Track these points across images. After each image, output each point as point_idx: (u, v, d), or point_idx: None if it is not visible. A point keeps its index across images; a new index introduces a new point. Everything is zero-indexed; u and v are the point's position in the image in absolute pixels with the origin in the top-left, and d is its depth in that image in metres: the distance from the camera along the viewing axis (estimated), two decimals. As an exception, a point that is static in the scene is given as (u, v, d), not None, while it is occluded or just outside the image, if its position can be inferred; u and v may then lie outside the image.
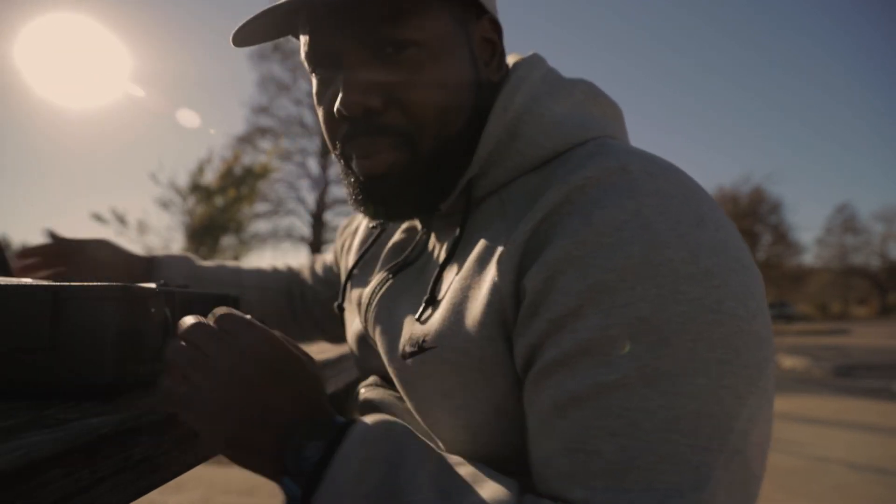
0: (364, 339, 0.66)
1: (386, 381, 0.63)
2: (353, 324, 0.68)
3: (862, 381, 7.18)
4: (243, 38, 0.55)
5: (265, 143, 15.92)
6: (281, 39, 0.58)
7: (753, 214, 30.45)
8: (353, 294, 0.67)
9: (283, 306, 0.95)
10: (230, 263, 0.96)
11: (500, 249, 0.46)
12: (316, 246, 16.65)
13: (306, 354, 0.48)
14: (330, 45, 0.51)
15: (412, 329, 0.52)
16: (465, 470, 0.42)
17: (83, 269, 0.82)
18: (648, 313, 0.39)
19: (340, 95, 0.49)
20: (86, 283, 0.47)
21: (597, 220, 0.42)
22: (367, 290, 0.62)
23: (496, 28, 0.55)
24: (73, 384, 0.46)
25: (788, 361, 9.33)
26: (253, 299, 0.91)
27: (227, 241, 11.09)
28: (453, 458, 0.43)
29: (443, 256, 0.53)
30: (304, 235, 16.92)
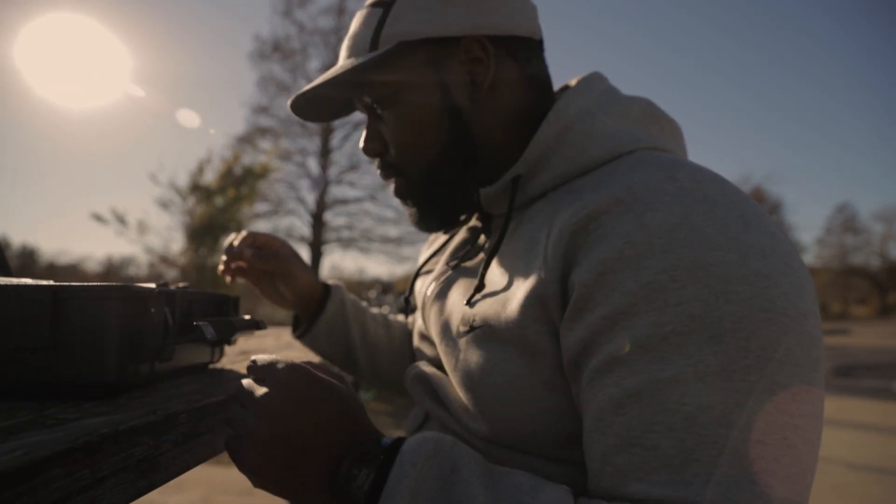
0: (425, 335, 0.72)
1: (435, 365, 0.69)
2: (417, 316, 0.75)
3: (862, 381, 7.18)
4: (310, 116, 0.70)
5: (265, 143, 15.93)
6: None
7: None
8: (418, 286, 0.75)
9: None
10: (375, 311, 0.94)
11: (544, 240, 0.50)
12: (316, 246, 16.65)
13: (337, 375, 0.50)
14: (358, 106, 0.67)
15: (463, 312, 0.57)
16: (518, 479, 0.42)
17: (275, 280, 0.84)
18: (701, 311, 0.40)
19: (361, 142, 0.66)
20: (86, 284, 0.47)
21: (648, 222, 0.43)
22: (429, 281, 0.70)
23: (483, 45, 0.59)
24: (73, 384, 0.46)
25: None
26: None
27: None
28: (503, 469, 0.44)
29: (491, 248, 0.58)
30: (304, 235, 16.91)
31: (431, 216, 0.65)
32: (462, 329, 0.56)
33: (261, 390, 0.46)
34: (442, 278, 0.67)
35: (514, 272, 0.52)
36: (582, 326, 0.45)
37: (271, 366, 0.47)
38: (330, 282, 0.89)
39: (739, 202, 0.46)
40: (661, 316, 0.41)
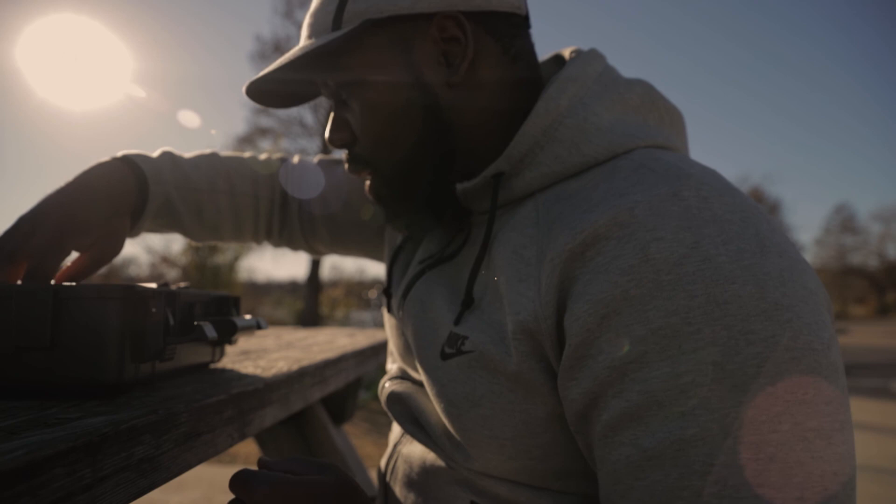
0: (399, 330, 0.65)
1: (409, 375, 0.63)
2: (395, 310, 0.67)
3: (860, 381, 7.18)
4: (269, 102, 0.64)
5: (265, 144, 15.91)
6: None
7: (753, 214, 30.38)
8: (393, 279, 0.67)
9: (263, 220, 0.83)
10: (220, 165, 0.78)
11: (536, 261, 0.45)
12: (315, 246, 16.60)
13: (325, 468, 0.49)
14: (324, 93, 0.60)
15: (450, 330, 0.51)
16: None
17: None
18: (720, 357, 0.36)
19: (326, 132, 0.59)
20: (86, 284, 0.47)
21: (654, 254, 0.39)
22: (404, 281, 0.62)
23: (459, 23, 0.51)
24: (74, 384, 0.46)
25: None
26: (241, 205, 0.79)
27: (227, 240, 11.04)
28: None
29: (475, 257, 0.52)
30: (303, 235, 16.87)
31: (408, 218, 0.58)
32: (448, 350, 0.50)
33: None
34: (419, 279, 0.60)
35: (503, 294, 0.47)
36: (586, 377, 0.40)
37: (253, 492, 0.45)
38: (149, 180, 0.69)
39: (751, 218, 0.41)
40: (676, 365, 0.37)
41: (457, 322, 0.51)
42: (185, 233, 0.77)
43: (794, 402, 0.36)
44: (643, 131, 0.50)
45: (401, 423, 0.59)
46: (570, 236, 0.43)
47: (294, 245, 0.86)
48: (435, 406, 0.53)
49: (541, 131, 0.50)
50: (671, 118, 0.54)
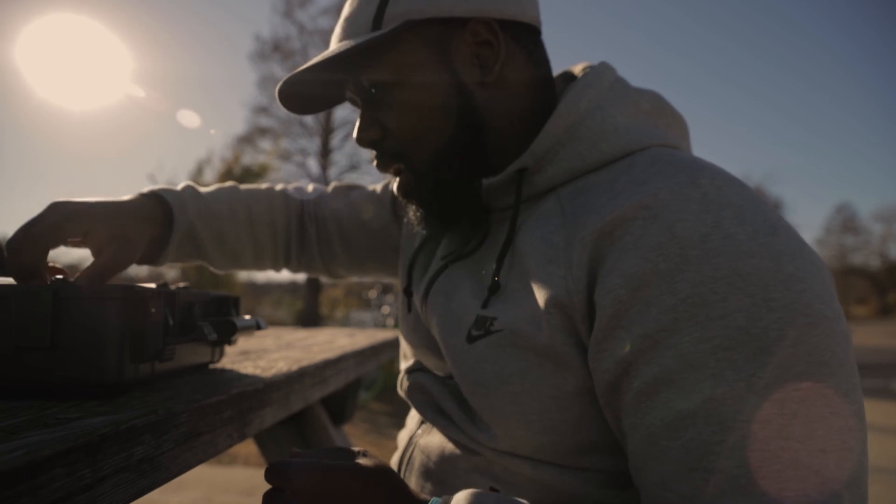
0: (416, 325, 0.67)
1: (427, 367, 0.65)
2: (416, 309, 0.69)
3: (862, 381, 7.17)
4: (299, 108, 0.66)
5: (265, 144, 15.92)
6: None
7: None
8: (415, 278, 0.69)
9: (281, 247, 0.85)
10: (239, 196, 0.80)
11: (563, 245, 0.48)
12: (316, 246, 16.59)
13: (361, 454, 0.49)
14: (349, 96, 0.62)
15: (477, 313, 0.53)
16: None
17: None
18: (745, 323, 0.39)
19: (354, 132, 0.61)
20: (86, 284, 0.47)
21: (680, 233, 0.42)
22: (426, 277, 0.65)
23: (491, 28, 0.55)
24: (73, 384, 0.46)
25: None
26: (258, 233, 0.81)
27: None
28: None
29: (501, 244, 0.55)
30: (303, 235, 16.85)
31: (437, 212, 0.60)
32: (475, 332, 0.53)
33: None
34: (443, 274, 0.63)
35: (532, 276, 0.50)
36: (619, 346, 0.43)
37: (290, 478, 0.44)
38: (174, 209, 0.71)
39: (760, 205, 0.45)
40: (705, 331, 0.40)
41: (484, 306, 0.53)
42: (208, 261, 0.79)
43: (813, 363, 0.39)
44: (655, 133, 0.54)
45: (422, 412, 0.62)
46: (597, 219, 0.46)
47: (313, 270, 0.89)
48: (462, 389, 0.55)
49: (563, 130, 0.53)
50: (677, 124, 0.59)
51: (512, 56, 0.57)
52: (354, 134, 0.60)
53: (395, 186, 0.61)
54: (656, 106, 0.57)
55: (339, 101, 0.66)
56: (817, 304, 0.41)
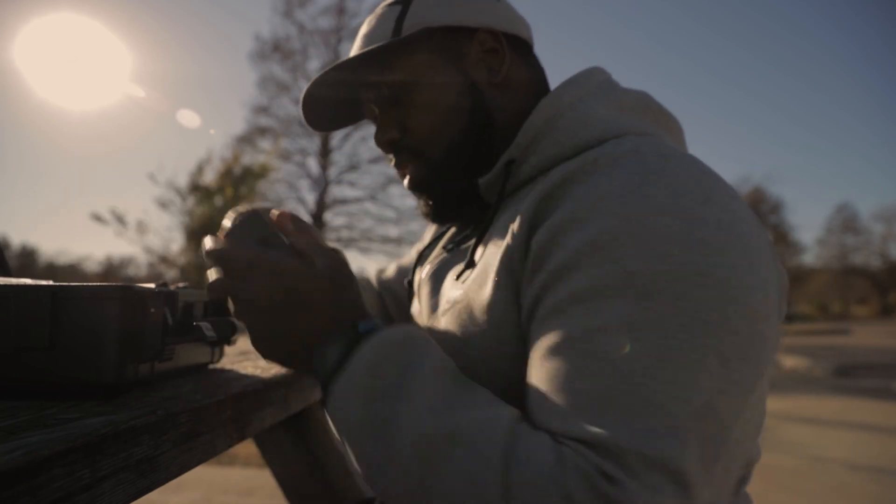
0: (419, 315, 0.72)
1: None
2: (415, 301, 0.76)
3: (862, 381, 7.18)
4: (320, 125, 0.71)
5: (265, 143, 15.93)
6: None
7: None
8: (416, 275, 0.75)
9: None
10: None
11: (519, 216, 0.51)
12: (316, 246, 16.60)
13: (329, 253, 0.51)
14: (370, 110, 0.67)
15: (450, 291, 0.59)
16: (475, 390, 0.45)
17: None
18: (636, 268, 0.42)
19: (375, 137, 0.66)
20: (85, 284, 0.47)
21: (602, 187, 0.46)
22: (426, 269, 0.70)
23: (495, 36, 0.62)
24: (73, 384, 0.46)
25: (789, 361, 9.33)
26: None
27: (227, 241, 11.05)
28: (466, 379, 0.46)
29: (481, 230, 0.59)
30: (304, 235, 16.86)
31: (446, 204, 0.65)
32: (446, 306, 0.58)
33: (259, 287, 0.47)
34: (436, 261, 0.68)
35: (496, 249, 0.53)
36: (535, 284, 0.47)
37: (259, 261, 0.48)
38: None
39: (705, 180, 0.47)
40: (598, 271, 0.43)
41: (457, 278, 0.58)
42: None
43: (696, 319, 0.40)
44: (634, 125, 0.56)
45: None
46: (543, 188, 0.50)
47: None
48: None
49: (544, 121, 0.57)
50: (666, 122, 0.61)
51: (514, 62, 0.63)
52: (375, 137, 0.66)
53: (406, 182, 0.66)
54: (641, 103, 0.60)
55: (360, 117, 0.71)
56: (722, 271, 0.42)
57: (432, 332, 0.59)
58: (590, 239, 0.44)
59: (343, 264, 0.52)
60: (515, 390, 0.48)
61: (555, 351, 0.43)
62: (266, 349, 0.49)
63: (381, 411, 0.42)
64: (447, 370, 0.46)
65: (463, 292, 0.55)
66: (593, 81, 0.61)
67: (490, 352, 0.51)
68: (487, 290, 0.52)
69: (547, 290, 0.46)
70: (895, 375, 7.31)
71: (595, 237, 0.44)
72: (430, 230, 0.87)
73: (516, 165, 0.59)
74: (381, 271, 1.03)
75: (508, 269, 0.50)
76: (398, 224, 17.16)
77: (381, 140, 0.65)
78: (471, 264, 0.57)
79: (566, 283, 0.44)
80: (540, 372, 0.44)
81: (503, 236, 0.53)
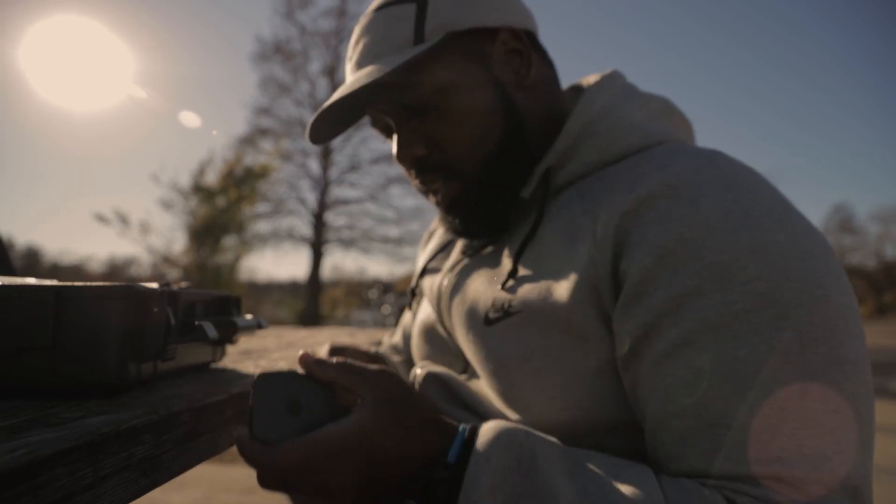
0: (430, 326, 0.69)
1: (443, 363, 0.67)
2: (421, 311, 0.73)
3: (863, 381, 7.16)
4: (320, 137, 0.63)
5: (266, 144, 15.92)
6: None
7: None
8: (426, 283, 0.72)
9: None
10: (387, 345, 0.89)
11: (590, 226, 0.49)
12: (317, 246, 16.64)
13: (376, 380, 0.44)
14: (380, 118, 0.61)
15: (495, 296, 0.55)
16: (598, 460, 0.42)
17: None
18: (766, 289, 0.41)
19: (395, 152, 0.60)
20: (88, 283, 0.47)
21: (703, 207, 0.45)
22: (443, 271, 0.67)
23: (517, 35, 0.59)
24: (75, 383, 0.46)
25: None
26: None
27: (229, 241, 11.11)
28: (580, 451, 0.44)
29: (523, 236, 0.56)
30: (305, 236, 16.91)
31: (484, 218, 0.60)
32: (493, 315, 0.54)
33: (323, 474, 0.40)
34: (457, 268, 0.65)
35: (555, 257, 0.51)
36: (642, 311, 0.44)
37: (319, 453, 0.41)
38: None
39: (772, 189, 0.48)
40: (728, 295, 0.42)
41: (504, 288, 0.54)
42: None
43: (829, 331, 0.41)
44: (668, 131, 0.57)
45: (436, 400, 0.63)
46: (623, 198, 0.48)
47: None
48: (481, 374, 0.56)
49: (581, 128, 0.56)
50: (685, 127, 0.62)
51: (537, 62, 0.60)
52: (395, 151, 0.60)
53: (437, 200, 0.61)
54: (665, 108, 0.61)
55: (356, 120, 0.65)
56: (829, 279, 0.43)
57: (478, 346, 0.55)
58: (709, 263, 0.43)
59: (394, 384, 0.45)
60: (591, 402, 0.48)
61: (695, 386, 0.41)
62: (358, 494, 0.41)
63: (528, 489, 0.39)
64: (562, 455, 0.42)
65: (519, 302, 0.52)
66: (617, 85, 0.60)
67: (566, 366, 0.49)
68: (561, 303, 0.48)
69: (665, 319, 0.43)
70: (892, 374, 7.30)
71: (715, 260, 0.43)
72: (434, 240, 0.81)
73: (553, 171, 0.57)
74: (389, 344, 0.93)
75: (591, 285, 0.47)
76: (398, 224, 17.16)
77: (405, 157, 0.59)
78: (515, 272, 0.54)
79: (692, 313, 0.42)
80: (681, 412, 0.42)
81: (564, 246, 0.51)
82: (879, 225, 37.06)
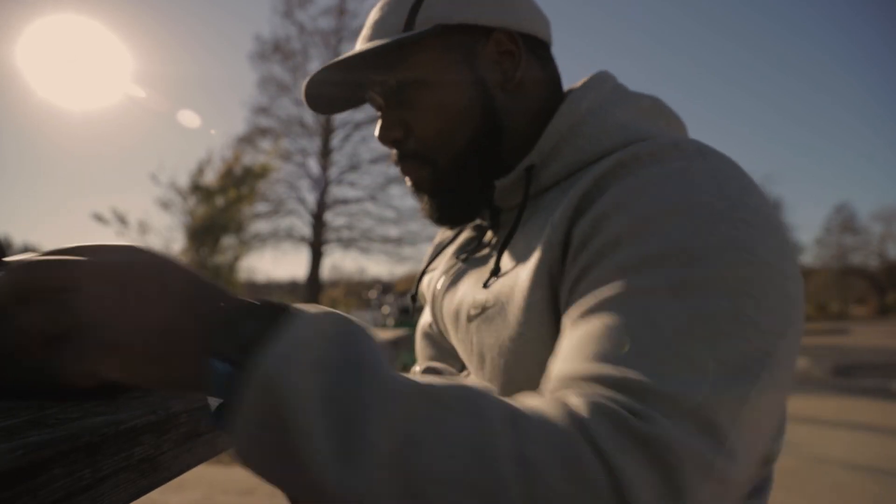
0: (428, 328, 0.72)
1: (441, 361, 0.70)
2: (424, 315, 0.76)
3: (861, 381, 7.18)
4: (320, 107, 0.67)
5: (265, 144, 15.92)
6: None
7: (753, 214, 30.34)
8: (424, 287, 0.74)
9: None
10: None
11: (555, 215, 0.50)
12: (316, 246, 16.64)
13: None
14: (374, 98, 0.63)
15: (475, 296, 0.57)
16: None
17: None
18: (682, 240, 0.41)
19: (375, 132, 0.63)
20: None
21: (644, 175, 0.46)
22: (437, 276, 0.69)
23: (513, 39, 0.59)
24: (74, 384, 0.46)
25: (788, 361, 9.30)
26: None
27: (228, 241, 11.10)
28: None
29: (505, 236, 0.58)
30: (304, 236, 16.92)
31: (452, 207, 0.63)
32: (474, 312, 0.56)
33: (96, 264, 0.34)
34: (451, 271, 0.67)
35: (527, 252, 0.52)
36: (576, 267, 0.46)
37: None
38: None
39: (741, 175, 0.47)
40: (643, 243, 0.42)
41: (485, 286, 0.56)
42: None
43: (739, 291, 0.39)
44: (654, 130, 0.56)
45: None
46: (582, 184, 0.49)
47: None
48: (469, 366, 0.58)
49: (566, 128, 0.56)
50: (676, 125, 0.61)
51: (530, 66, 0.61)
52: (376, 132, 0.63)
53: (410, 184, 0.64)
54: (655, 107, 0.60)
55: (361, 101, 0.67)
56: (763, 252, 0.41)
57: (465, 344, 0.57)
58: (634, 217, 0.43)
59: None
60: None
61: (591, 312, 0.41)
62: (139, 366, 0.35)
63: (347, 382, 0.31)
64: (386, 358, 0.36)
65: (493, 297, 0.54)
66: (607, 86, 0.60)
67: (529, 356, 0.49)
68: (523, 292, 0.50)
69: (589, 268, 0.44)
70: (894, 375, 7.31)
71: (640, 214, 0.43)
72: (432, 246, 0.84)
73: (536, 171, 0.58)
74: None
75: (547, 269, 0.48)
76: (398, 224, 17.19)
77: (382, 137, 0.62)
78: (496, 271, 0.56)
79: (610, 259, 0.43)
80: (572, 335, 0.41)
81: (536, 240, 0.51)
82: (882, 225, 37.17)
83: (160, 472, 0.42)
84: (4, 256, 0.62)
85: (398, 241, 17.34)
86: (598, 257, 0.44)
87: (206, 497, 2.80)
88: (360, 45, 0.61)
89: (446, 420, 0.31)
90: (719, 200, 0.43)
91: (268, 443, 0.31)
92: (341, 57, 0.59)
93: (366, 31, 0.62)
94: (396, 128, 0.61)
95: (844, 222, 36.98)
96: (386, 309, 8.26)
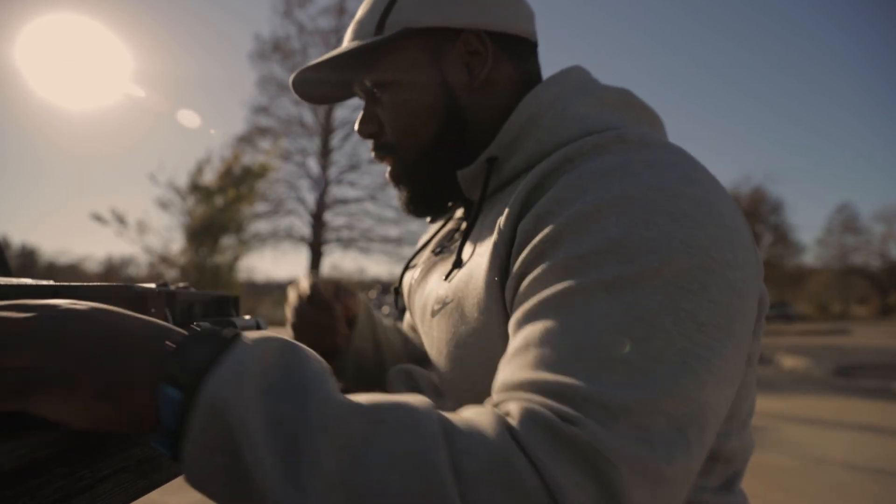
0: (408, 325, 0.74)
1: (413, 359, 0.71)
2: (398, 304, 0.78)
3: (862, 381, 7.18)
4: (312, 98, 0.71)
5: (265, 143, 15.91)
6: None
7: (754, 215, 30.44)
8: (406, 281, 0.75)
9: None
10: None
11: (505, 211, 0.51)
12: (316, 246, 16.64)
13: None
14: (356, 91, 0.68)
15: (438, 291, 0.58)
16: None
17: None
18: (619, 236, 0.41)
19: (355, 126, 0.67)
20: (86, 283, 0.47)
21: (587, 168, 0.46)
22: (415, 271, 0.71)
23: (481, 39, 0.60)
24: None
25: (789, 361, 9.34)
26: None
27: (227, 240, 11.11)
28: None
29: (465, 230, 0.59)
30: (304, 235, 16.91)
31: (421, 199, 0.66)
32: (436, 308, 0.57)
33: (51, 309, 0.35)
34: (425, 266, 0.68)
35: (483, 247, 0.53)
36: (518, 266, 0.46)
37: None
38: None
39: (688, 164, 0.46)
40: (580, 240, 0.42)
41: (446, 278, 0.57)
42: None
43: (675, 285, 0.39)
44: (617, 121, 0.55)
45: (399, 390, 0.65)
46: (530, 180, 0.49)
47: None
48: (433, 361, 0.59)
49: (525, 120, 0.57)
50: (649, 118, 0.60)
51: (499, 64, 0.62)
52: (356, 126, 0.67)
53: (386, 173, 0.67)
54: (623, 100, 0.59)
55: (349, 95, 0.71)
56: (703, 242, 0.41)
57: (428, 338, 0.58)
58: (573, 213, 0.43)
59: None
60: None
61: (531, 314, 0.41)
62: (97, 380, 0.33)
63: (285, 405, 0.33)
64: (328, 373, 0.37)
65: (451, 292, 0.55)
66: (573, 80, 0.60)
67: (483, 354, 0.49)
68: (477, 289, 0.50)
69: (530, 267, 0.44)
70: (895, 376, 7.31)
71: (577, 211, 0.43)
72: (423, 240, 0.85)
73: (499, 164, 0.58)
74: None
75: (498, 265, 0.49)
76: (398, 224, 17.20)
77: (360, 130, 0.66)
78: (458, 264, 0.56)
79: (550, 256, 0.43)
80: (514, 339, 0.42)
81: (490, 234, 0.52)
82: (883, 225, 37.11)
83: (159, 473, 0.42)
84: (2, 257, 0.62)
85: (398, 241, 17.37)
86: (539, 256, 0.44)
87: (204, 498, 2.80)
88: (344, 42, 0.65)
89: (387, 438, 0.32)
90: (658, 192, 0.42)
91: (217, 465, 0.32)
92: (323, 57, 0.63)
93: (350, 28, 0.65)
94: (372, 123, 0.65)
95: (846, 222, 36.97)
96: (385, 309, 8.27)
